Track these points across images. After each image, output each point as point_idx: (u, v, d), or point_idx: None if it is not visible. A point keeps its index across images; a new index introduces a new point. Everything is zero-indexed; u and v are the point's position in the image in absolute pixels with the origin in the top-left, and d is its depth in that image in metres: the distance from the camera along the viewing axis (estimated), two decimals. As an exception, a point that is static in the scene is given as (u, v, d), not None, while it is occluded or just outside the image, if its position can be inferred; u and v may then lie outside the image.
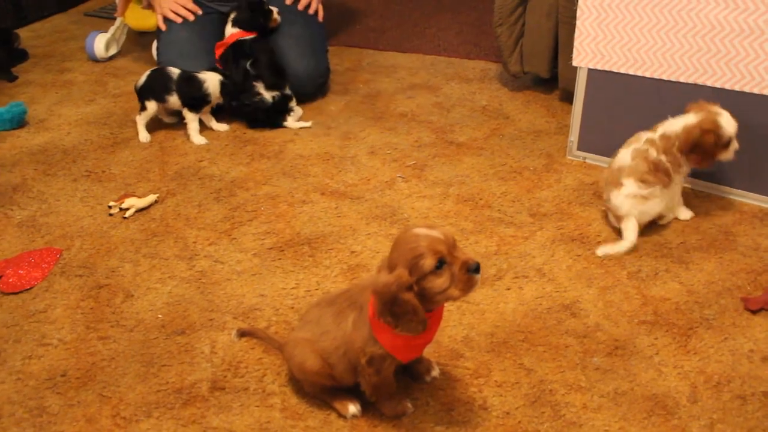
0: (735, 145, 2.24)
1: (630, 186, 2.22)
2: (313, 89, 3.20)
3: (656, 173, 2.22)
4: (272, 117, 2.96)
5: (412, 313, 1.46)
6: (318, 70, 3.20)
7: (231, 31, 3.04)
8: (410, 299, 1.44)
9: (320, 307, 1.67)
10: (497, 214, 2.40)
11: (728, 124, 2.20)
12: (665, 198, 2.26)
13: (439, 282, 1.45)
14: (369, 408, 1.69)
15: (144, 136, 2.87)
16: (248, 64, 2.94)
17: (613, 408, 1.72)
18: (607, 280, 2.11)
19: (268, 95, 2.93)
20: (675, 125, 2.25)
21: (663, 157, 2.23)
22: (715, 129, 2.19)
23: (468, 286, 1.47)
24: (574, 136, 2.72)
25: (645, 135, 2.29)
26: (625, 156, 2.28)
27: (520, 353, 1.86)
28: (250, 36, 3.03)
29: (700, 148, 2.21)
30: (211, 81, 2.86)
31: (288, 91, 3.01)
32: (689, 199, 2.48)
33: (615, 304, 2.02)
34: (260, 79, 2.94)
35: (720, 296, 2.06)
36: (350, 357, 1.60)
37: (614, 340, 1.90)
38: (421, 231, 1.47)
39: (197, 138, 2.86)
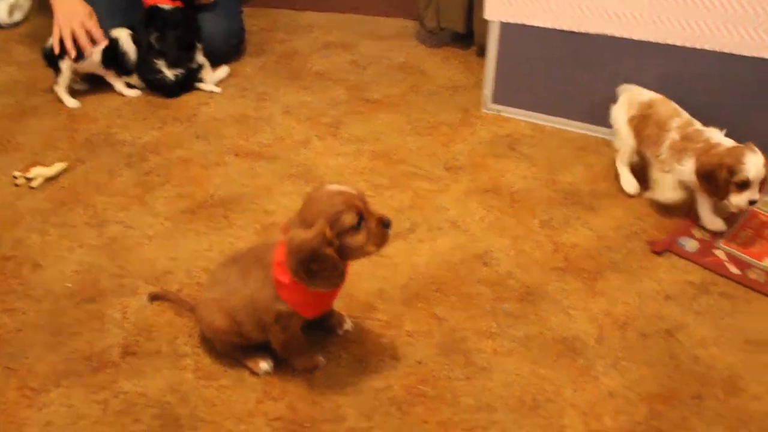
0: (753, 194, 2.02)
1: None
2: (227, 51, 3.14)
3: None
4: (176, 93, 2.85)
5: (332, 268, 1.46)
6: (231, 32, 3.14)
7: None
8: (332, 254, 1.45)
9: (226, 266, 1.66)
10: (412, 168, 2.40)
11: (752, 164, 1.98)
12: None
13: (358, 238, 1.47)
14: (282, 364, 1.69)
15: (70, 101, 2.77)
16: (153, 38, 2.80)
17: (524, 352, 1.75)
18: (519, 229, 2.14)
19: (170, 73, 2.81)
20: (713, 138, 2.09)
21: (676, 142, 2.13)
22: (732, 164, 1.98)
23: (382, 241, 1.50)
24: (488, 89, 2.73)
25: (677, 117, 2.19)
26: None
27: (433, 303, 1.87)
28: (170, 4, 2.84)
29: (712, 180, 2.03)
30: (125, 39, 2.78)
31: (195, 65, 2.88)
32: (598, 146, 2.52)
33: (526, 252, 2.05)
34: (163, 56, 2.81)
35: (628, 240, 2.11)
36: (258, 315, 1.59)
37: (525, 287, 1.93)
38: (337, 187, 1.47)
39: (129, 91, 2.84)
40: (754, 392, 1.68)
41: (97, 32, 2.76)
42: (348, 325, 1.79)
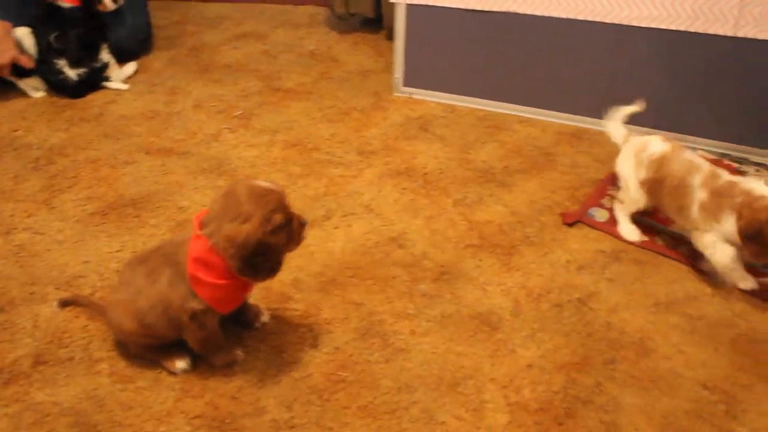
0: None
1: None
2: (134, 47, 3.07)
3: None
4: (80, 93, 2.78)
5: (276, 259, 1.52)
6: (138, 27, 3.08)
7: None
8: (276, 243, 1.49)
9: (132, 266, 1.63)
10: (325, 156, 2.40)
11: None
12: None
13: (283, 236, 1.51)
14: (200, 361, 1.67)
15: None
16: (53, 37, 2.70)
17: (440, 330, 1.77)
18: (433, 209, 2.15)
19: (72, 73, 2.73)
20: (754, 190, 1.76)
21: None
22: None
23: (300, 241, 1.56)
24: (398, 72, 2.74)
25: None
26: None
27: (349, 289, 1.87)
28: (69, 3, 2.73)
29: (761, 239, 1.72)
30: (26, 38, 2.70)
31: (99, 63, 2.80)
32: (510, 123, 2.55)
33: (441, 231, 2.07)
34: (63, 55, 2.72)
35: (540, 214, 2.14)
36: (170, 314, 1.56)
37: (440, 266, 1.95)
38: (266, 184, 1.49)
39: (33, 92, 2.76)
40: (664, 352, 1.73)
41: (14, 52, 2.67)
42: (265, 317, 1.78)
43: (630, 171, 1.99)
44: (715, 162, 2.33)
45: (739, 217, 1.74)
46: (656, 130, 2.44)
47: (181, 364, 1.66)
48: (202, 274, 1.50)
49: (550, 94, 2.57)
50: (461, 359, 1.70)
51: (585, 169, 2.35)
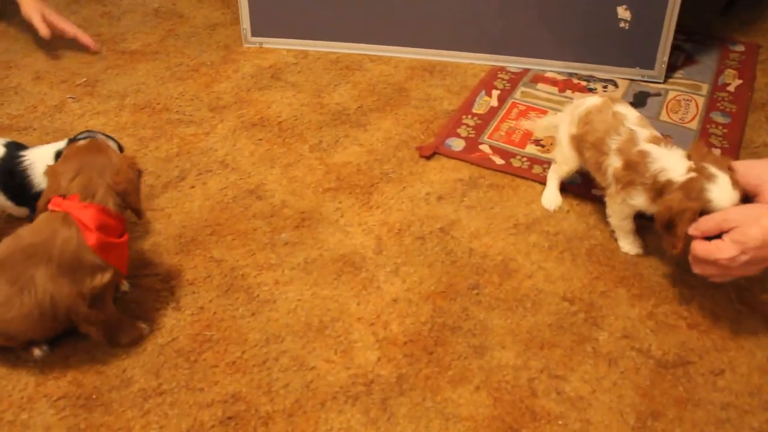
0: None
1: None
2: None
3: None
4: None
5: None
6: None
7: None
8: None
9: None
10: (176, 115, 2.32)
11: (721, 196, 1.54)
12: None
13: None
14: (58, 342, 1.61)
15: None
16: None
17: (305, 277, 1.76)
18: (289, 157, 2.12)
19: None
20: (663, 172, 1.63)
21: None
22: (696, 207, 1.55)
23: None
24: (245, 23, 2.67)
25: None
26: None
27: (209, 247, 1.84)
28: None
29: (674, 230, 1.59)
30: None
31: None
32: (362, 63, 2.54)
33: (299, 178, 2.05)
34: None
35: (397, 150, 2.15)
36: (55, 314, 1.49)
37: (301, 213, 1.93)
38: (81, 142, 1.55)
39: None
40: (526, 271, 1.78)
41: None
42: (125, 286, 1.73)
43: (563, 128, 1.89)
44: (564, 82, 2.39)
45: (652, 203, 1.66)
46: (501, 56, 2.48)
47: (38, 351, 1.59)
48: (110, 239, 1.48)
49: (401, 30, 2.56)
50: (327, 303, 1.70)
51: (438, 102, 2.36)
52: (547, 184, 1.99)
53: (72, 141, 1.72)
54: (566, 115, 1.91)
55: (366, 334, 1.63)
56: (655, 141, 1.69)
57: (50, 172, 1.55)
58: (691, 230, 1.55)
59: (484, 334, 1.63)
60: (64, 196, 1.50)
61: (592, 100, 1.85)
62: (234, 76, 2.52)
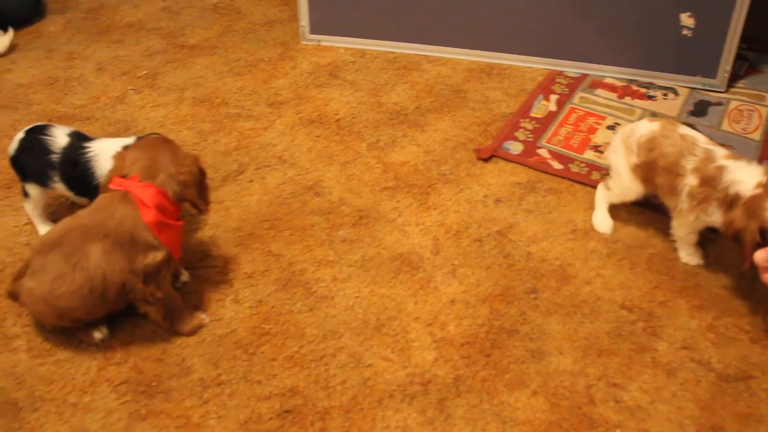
0: None
1: None
2: (26, 11, 2.93)
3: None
4: None
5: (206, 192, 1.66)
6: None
7: None
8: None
9: (42, 253, 1.54)
10: (235, 110, 2.34)
11: None
12: None
13: None
14: (119, 327, 1.63)
15: None
16: None
17: (362, 274, 1.76)
18: (347, 155, 2.13)
19: None
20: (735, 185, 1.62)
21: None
22: (760, 224, 1.56)
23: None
24: (304, 20, 2.68)
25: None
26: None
27: (268, 241, 1.85)
28: None
29: (741, 243, 1.61)
30: None
31: None
32: (419, 63, 2.54)
33: (357, 176, 2.05)
34: None
35: (455, 151, 2.14)
36: (106, 290, 1.51)
37: (358, 211, 1.94)
38: (151, 135, 1.63)
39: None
40: (584, 278, 1.76)
41: None
42: (185, 276, 1.75)
43: (620, 159, 1.83)
44: (624, 88, 2.37)
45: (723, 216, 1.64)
46: (559, 60, 2.47)
47: (98, 334, 1.62)
48: (165, 218, 1.52)
49: (459, 32, 2.56)
50: (385, 301, 1.70)
51: (496, 104, 2.35)
52: (597, 206, 1.94)
53: (140, 139, 1.74)
54: (619, 145, 1.85)
55: (423, 333, 1.63)
56: (732, 157, 1.66)
57: (118, 155, 1.60)
58: (759, 261, 1.53)
59: (542, 338, 1.62)
60: (125, 177, 1.53)
61: (645, 126, 1.81)
62: (292, 73, 2.54)
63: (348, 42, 2.68)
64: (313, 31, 2.70)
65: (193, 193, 1.59)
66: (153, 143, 1.60)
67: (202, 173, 1.62)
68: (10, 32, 2.75)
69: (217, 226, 1.90)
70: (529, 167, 2.09)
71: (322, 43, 2.70)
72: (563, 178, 2.06)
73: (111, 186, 1.54)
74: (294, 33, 2.77)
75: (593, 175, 2.05)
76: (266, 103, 2.37)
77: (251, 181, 2.04)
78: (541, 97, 2.39)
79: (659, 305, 1.70)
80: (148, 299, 1.55)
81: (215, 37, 2.79)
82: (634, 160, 1.80)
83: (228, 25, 2.87)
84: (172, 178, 1.55)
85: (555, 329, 1.64)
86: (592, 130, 2.24)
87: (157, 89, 2.49)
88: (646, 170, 1.79)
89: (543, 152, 2.15)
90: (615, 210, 1.93)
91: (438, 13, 2.54)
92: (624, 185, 1.85)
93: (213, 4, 3.03)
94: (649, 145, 1.77)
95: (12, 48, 2.73)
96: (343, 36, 2.69)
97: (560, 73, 2.51)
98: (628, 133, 1.84)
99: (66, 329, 1.62)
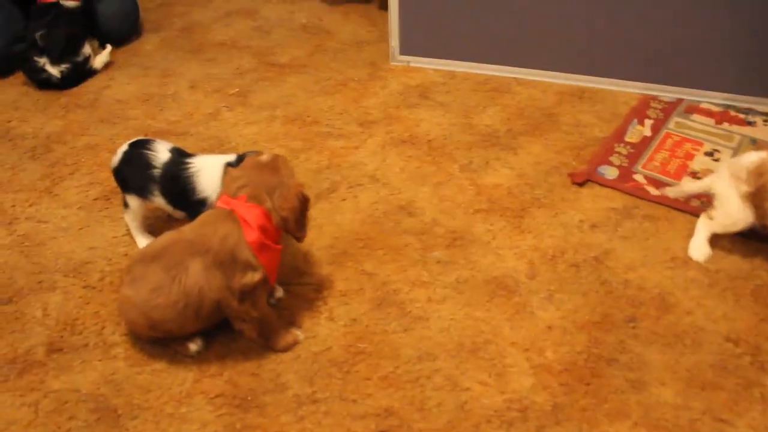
0: None
1: None
2: (125, 30, 3.02)
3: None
4: (66, 87, 2.70)
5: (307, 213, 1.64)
6: (127, 10, 3.01)
7: None
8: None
9: (144, 262, 1.57)
10: (326, 128, 2.36)
11: None
12: None
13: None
14: (214, 340, 1.65)
15: None
16: (39, 35, 2.63)
17: (457, 296, 1.74)
18: (440, 176, 2.12)
19: (55, 70, 2.65)
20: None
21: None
22: None
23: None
24: (395, 41, 2.70)
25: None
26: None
27: (361, 260, 1.85)
28: (73, 1, 2.72)
29: None
30: None
31: (81, 57, 2.70)
32: (510, 86, 2.52)
33: (450, 197, 2.04)
34: (45, 53, 2.64)
35: (548, 175, 2.12)
36: (201, 305, 1.53)
37: (452, 232, 1.92)
38: (267, 155, 1.61)
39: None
40: (685, 307, 1.71)
41: None
42: (279, 292, 1.76)
43: (729, 189, 1.80)
44: (721, 114, 2.32)
45: None
46: (653, 84, 2.42)
47: (193, 346, 1.63)
48: (267, 240, 1.52)
49: (550, 55, 2.53)
50: (480, 324, 1.68)
51: (588, 128, 2.32)
52: (696, 233, 1.89)
53: (241, 156, 1.76)
54: (727, 175, 1.81)
55: (520, 359, 1.60)
56: None
57: (227, 172, 1.61)
58: None
59: (642, 368, 1.58)
60: (233, 196, 1.55)
61: (754, 155, 1.78)
62: (381, 93, 2.55)
63: (437, 63, 2.68)
64: (402, 52, 2.71)
65: (292, 227, 1.58)
66: (263, 167, 1.59)
67: (304, 204, 1.60)
68: (108, 49, 2.83)
69: (310, 243, 1.91)
70: (625, 193, 2.05)
71: (411, 64, 2.71)
72: (661, 204, 2.01)
73: (218, 204, 1.56)
74: (382, 53, 2.78)
75: (692, 202, 2.00)
76: (357, 123, 2.38)
77: (344, 200, 2.05)
78: (635, 121, 2.34)
79: (767, 339, 1.64)
80: (244, 317, 1.57)
81: (305, 57, 2.82)
82: (745, 188, 1.76)
83: (317, 44, 2.90)
84: (274, 209, 1.56)
85: (655, 359, 1.60)
86: (689, 156, 2.18)
87: (249, 107, 2.52)
88: (757, 197, 1.75)
89: (639, 178, 2.10)
90: (716, 240, 1.87)
91: (529, 35, 2.52)
92: (733, 215, 1.81)
93: (302, 24, 3.07)
94: (759, 170, 1.74)
95: (109, 65, 2.80)
96: (432, 57, 2.69)
97: (654, 98, 2.47)
98: (733, 164, 1.82)
99: (161, 339, 1.64)
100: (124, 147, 1.85)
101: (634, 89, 2.50)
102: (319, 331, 1.67)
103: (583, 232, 1.92)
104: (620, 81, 2.51)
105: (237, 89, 2.63)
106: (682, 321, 1.68)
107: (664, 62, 2.43)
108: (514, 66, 2.59)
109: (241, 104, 2.54)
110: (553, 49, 2.52)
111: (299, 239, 1.64)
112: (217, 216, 1.55)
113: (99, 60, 2.78)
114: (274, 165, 1.59)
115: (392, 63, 2.73)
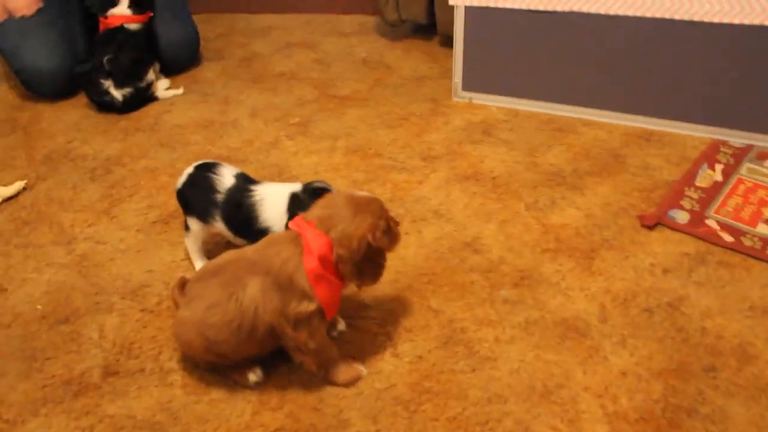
0: None
1: None
2: (187, 59, 3.03)
3: None
4: (127, 111, 2.72)
5: (380, 264, 1.55)
6: (190, 38, 3.03)
7: (121, 11, 2.74)
8: (380, 246, 1.51)
9: (203, 280, 1.53)
10: (388, 161, 2.33)
11: None
12: None
13: (386, 240, 1.52)
14: (274, 371, 1.60)
15: None
16: (106, 59, 2.67)
17: (526, 338, 1.68)
18: (505, 213, 2.07)
19: (118, 93, 2.68)
20: None
21: None
22: None
23: (399, 238, 1.58)
24: (457, 77, 2.67)
25: None
26: None
27: (426, 296, 1.80)
28: (136, 23, 2.75)
29: None
30: None
31: (145, 83, 2.74)
32: (575, 126, 2.47)
33: (516, 235, 1.99)
34: (111, 76, 2.67)
35: (617, 217, 2.06)
36: (254, 327, 1.48)
37: (519, 271, 1.86)
38: (365, 193, 1.53)
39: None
40: (767, 359, 1.63)
41: None
42: (341, 325, 1.71)
43: None
44: (796, 161, 2.24)
45: None
46: (723, 129, 2.36)
47: (252, 376, 1.58)
48: (326, 272, 1.46)
49: (616, 95, 2.49)
50: (551, 367, 1.61)
51: (657, 171, 2.26)
52: None
53: (307, 186, 1.72)
54: None
55: (594, 405, 1.52)
56: None
57: (323, 195, 1.57)
58: None
59: (724, 422, 1.49)
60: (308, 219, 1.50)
61: None
62: (444, 128, 2.51)
63: (500, 101, 2.64)
64: (465, 88, 2.68)
65: (347, 269, 1.48)
66: (351, 201, 1.51)
67: (367, 250, 1.49)
68: (175, 92, 2.84)
69: (373, 276, 1.86)
70: (698, 238, 1.98)
71: (474, 101, 2.68)
72: (735, 251, 1.93)
73: (290, 224, 1.52)
74: (444, 89, 2.75)
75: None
76: (420, 157, 2.35)
77: (407, 234, 2.00)
78: (705, 165, 2.28)
79: None
80: (301, 348, 1.51)
81: (366, 90, 2.80)
82: None
83: (378, 78, 2.88)
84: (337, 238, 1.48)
85: (738, 413, 1.51)
86: (764, 203, 2.11)
87: (309, 136, 2.50)
88: None
89: (711, 223, 2.03)
90: (797, 289, 1.80)
91: (594, 75, 2.48)
92: None
93: (362, 59, 3.07)
94: None
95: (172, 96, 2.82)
96: (495, 94, 2.66)
97: (724, 143, 2.40)
98: None
99: (219, 369, 1.59)
100: (190, 169, 1.83)
101: (702, 133, 2.43)
102: (384, 368, 1.62)
103: (655, 276, 1.85)
104: (688, 124, 2.44)
105: (298, 119, 2.61)
106: (765, 373, 1.60)
107: (735, 106, 2.36)
108: (579, 105, 2.55)
109: (301, 134, 2.52)
110: (620, 89, 2.48)
111: (358, 286, 1.56)
112: (284, 239, 1.50)
113: (163, 92, 2.79)
114: (363, 202, 1.50)
115: (454, 99, 2.70)
